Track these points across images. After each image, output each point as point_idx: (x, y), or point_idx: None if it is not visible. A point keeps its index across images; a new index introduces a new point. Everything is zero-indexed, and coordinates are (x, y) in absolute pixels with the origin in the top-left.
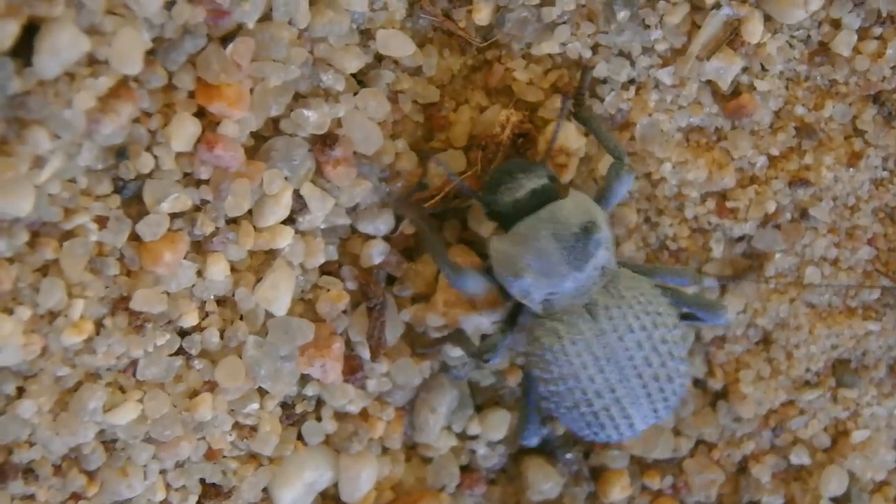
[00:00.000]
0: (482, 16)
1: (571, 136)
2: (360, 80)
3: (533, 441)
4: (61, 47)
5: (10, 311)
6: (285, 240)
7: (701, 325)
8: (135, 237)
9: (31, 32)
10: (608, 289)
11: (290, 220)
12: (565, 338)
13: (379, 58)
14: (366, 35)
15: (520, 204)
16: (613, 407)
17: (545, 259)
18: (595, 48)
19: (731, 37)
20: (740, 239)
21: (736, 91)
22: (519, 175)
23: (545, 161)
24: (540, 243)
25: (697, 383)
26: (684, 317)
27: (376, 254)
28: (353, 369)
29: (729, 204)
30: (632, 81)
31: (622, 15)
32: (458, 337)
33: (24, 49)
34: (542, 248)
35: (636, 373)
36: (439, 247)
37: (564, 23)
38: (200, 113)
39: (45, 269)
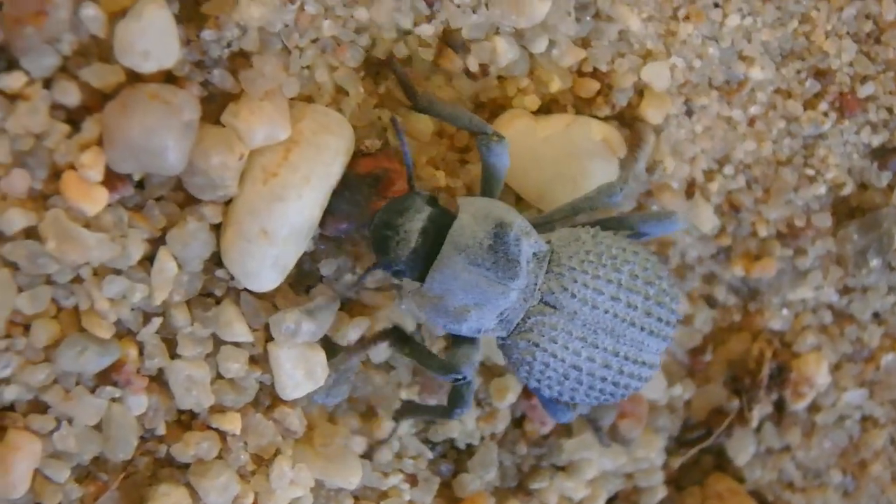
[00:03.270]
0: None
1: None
2: None
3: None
4: None
5: None
6: None
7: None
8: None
9: None
10: (553, 270)
11: None
12: (543, 343)
13: None
14: None
15: (418, 252)
16: (625, 364)
17: (476, 290)
18: (844, 291)
19: None
20: None
21: None
22: (399, 222)
23: (413, 187)
24: (461, 279)
25: None
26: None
27: None
28: None
29: None
30: (875, 315)
31: (874, 263)
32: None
33: None
34: (467, 282)
35: (628, 322)
36: (423, 353)
37: (816, 268)
38: None
39: None
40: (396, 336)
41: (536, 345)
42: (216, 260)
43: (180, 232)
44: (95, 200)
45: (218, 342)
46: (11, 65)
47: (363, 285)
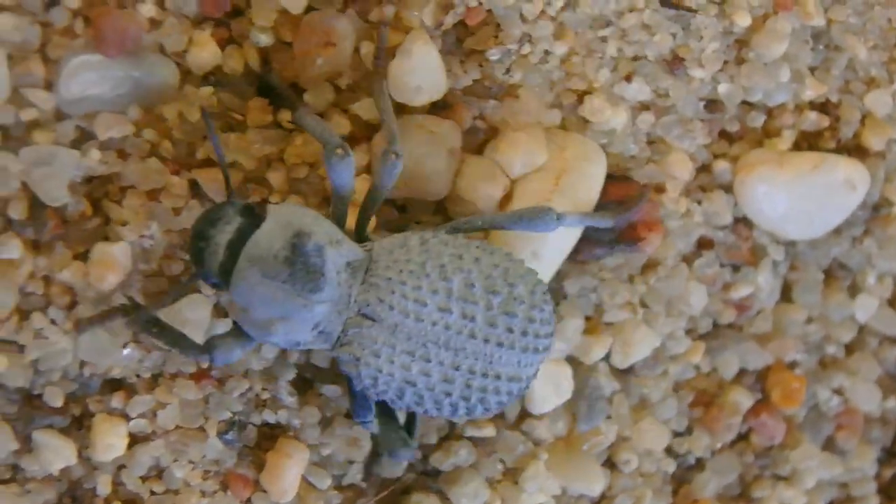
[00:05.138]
0: None
1: None
2: None
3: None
4: None
5: None
6: None
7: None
8: None
9: None
10: (369, 280)
11: None
12: (364, 356)
13: None
14: None
15: (226, 265)
16: (472, 379)
17: (276, 303)
18: None
19: None
20: None
21: None
22: (210, 233)
23: (231, 195)
24: (258, 292)
25: None
26: None
27: None
28: None
29: None
30: None
31: None
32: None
33: None
34: (264, 295)
35: (467, 334)
36: (174, 335)
37: None
38: None
39: None
40: (137, 314)
41: (358, 358)
42: None
43: None
44: None
45: None
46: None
47: (181, 296)
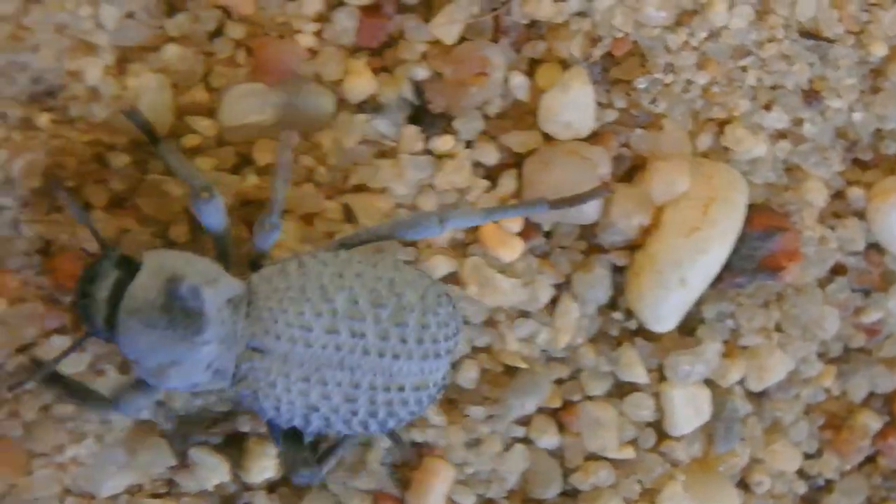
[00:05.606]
0: None
1: None
2: None
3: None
4: None
5: None
6: None
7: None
8: None
9: None
10: (251, 313)
11: None
12: (261, 389)
13: None
14: None
15: (110, 319)
16: (377, 395)
17: (163, 351)
18: None
19: None
20: None
21: None
22: (90, 290)
23: (105, 248)
24: (142, 342)
25: None
26: None
27: None
28: None
29: None
30: None
31: None
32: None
33: None
34: (150, 344)
35: (360, 352)
36: (82, 391)
37: None
38: None
39: None
40: (41, 373)
41: (255, 391)
42: (610, 303)
43: (586, 277)
44: (513, 249)
45: (616, 382)
46: (443, 130)
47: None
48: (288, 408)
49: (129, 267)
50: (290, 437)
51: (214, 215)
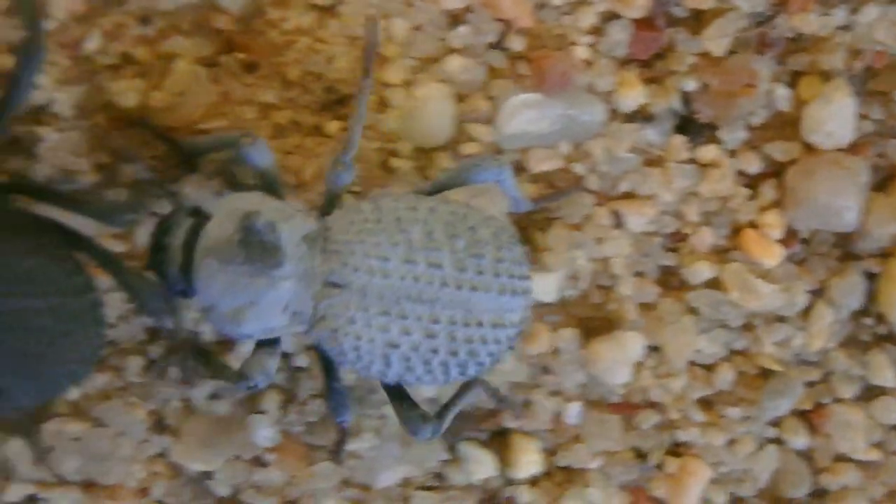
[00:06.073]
0: None
1: None
2: None
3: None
4: None
5: None
6: None
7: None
8: None
9: None
10: (327, 248)
11: None
12: (341, 326)
13: None
14: None
15: (185, 266)
16: (457, 330)
17: (240, 290)
18: None
19: None
20: None
21: None
22: (165, 241)
23: (179, 202)
24: (220, 282)
25: None
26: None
27: None
28: None
29: None
30: None
31: None
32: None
33: None
34: (227, 284)
35: (438, 283)
36: (218, 365)
37: None
38: None
39: None
40: (185, 354)
41: (336, 330)
42: (862, 308)
43: (842, 283)
44: (774, 256)
45: (866, 386)
46: (708, 139)
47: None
48: (368, 347)
49: (202, 215)
50: (398, 397)
51: (262, 154)
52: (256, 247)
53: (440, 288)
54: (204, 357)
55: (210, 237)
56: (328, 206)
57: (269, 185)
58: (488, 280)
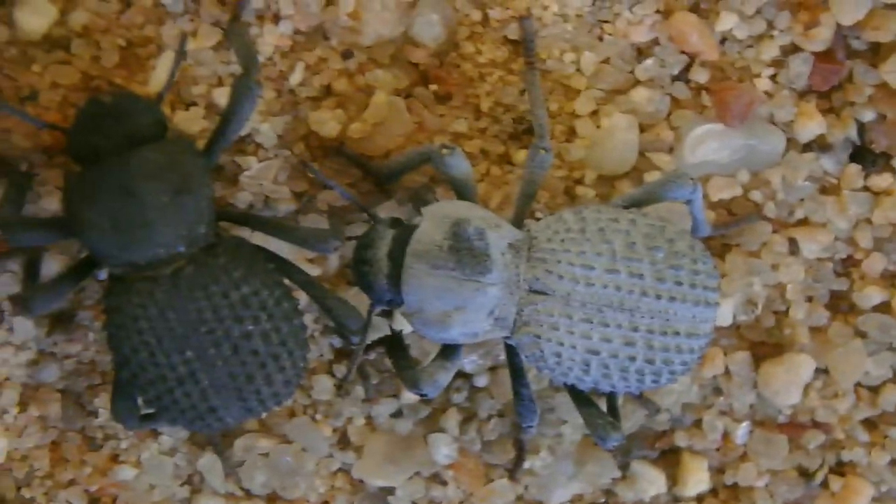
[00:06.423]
0: None
1: None
2: None
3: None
4: None
5: None
6: None
7: None
8: None
9: None
10: (532, 256)
11: None
12: (544, 333)
13: None
14: None
15: (392, 274)
16: (654, 338)
17: (449, 293)
18: None
19: None
20: None
21: None
22: (369, 255)
23: (374, 216)
24: (429, 286)
25: None
26: None
27: None
28: None
29: None
30: None
31: None
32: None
33: None
34: (436, 288)
35: (638, 293)
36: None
37: None
38: None
39: None
40: (391, 344)
41: (538, 336)
42: None
43: None
44: None
45: None
46: (884, 168)
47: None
48: (569, 353)
49: (403, 226)
50: (585, 406)
51: (461, 164)
52: (466, 253)
53: (640, 297)
54: (401, 350)
55: (420, 242)
56: (525, 195)
57: (468, 196)
58: (685, 291)
